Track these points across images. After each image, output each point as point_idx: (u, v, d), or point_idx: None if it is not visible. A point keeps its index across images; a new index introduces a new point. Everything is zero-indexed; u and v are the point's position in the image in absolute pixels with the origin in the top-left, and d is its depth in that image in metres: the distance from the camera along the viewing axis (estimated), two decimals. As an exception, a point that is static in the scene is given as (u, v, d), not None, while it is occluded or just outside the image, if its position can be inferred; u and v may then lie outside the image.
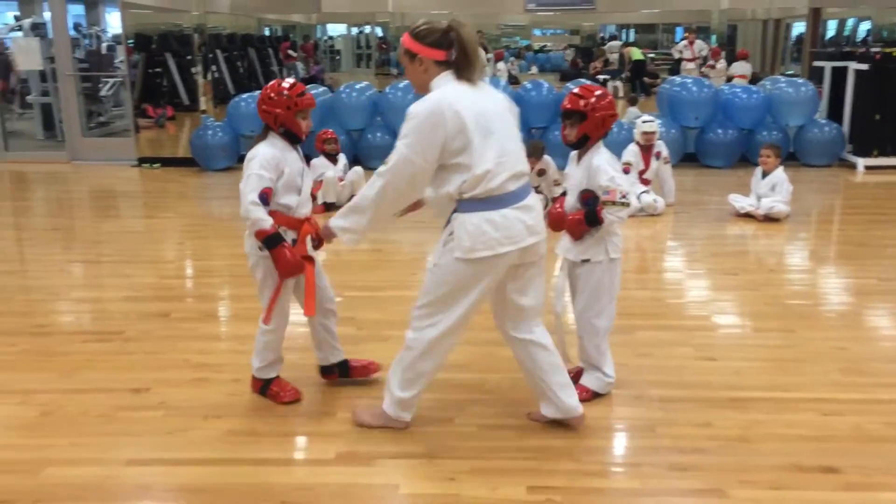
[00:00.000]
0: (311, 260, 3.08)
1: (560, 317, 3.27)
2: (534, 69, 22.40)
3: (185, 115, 13.03)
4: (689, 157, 8.95)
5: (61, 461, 2.83)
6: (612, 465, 2.86)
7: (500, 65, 16.57)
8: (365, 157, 8.44)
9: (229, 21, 16.79)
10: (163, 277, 5.16)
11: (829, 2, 15.74)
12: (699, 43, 14.68)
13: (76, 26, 12.24)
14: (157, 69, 13.75)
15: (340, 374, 3.39)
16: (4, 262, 5.60)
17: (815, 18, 15.59)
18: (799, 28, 18.49)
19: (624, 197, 3.03)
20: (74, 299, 4.76)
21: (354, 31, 23.03)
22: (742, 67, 14.08)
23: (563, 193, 3.31)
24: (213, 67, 14.14)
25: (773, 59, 19.17)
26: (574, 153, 3.21)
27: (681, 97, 8.89)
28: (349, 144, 8.47)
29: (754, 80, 12.45)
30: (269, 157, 3.00)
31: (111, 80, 11.68)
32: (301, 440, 3.01)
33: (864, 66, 8.81)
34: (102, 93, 11.60)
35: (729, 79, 13.72)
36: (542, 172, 6.46)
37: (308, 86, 9.30)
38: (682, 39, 16.11)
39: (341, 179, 6.98)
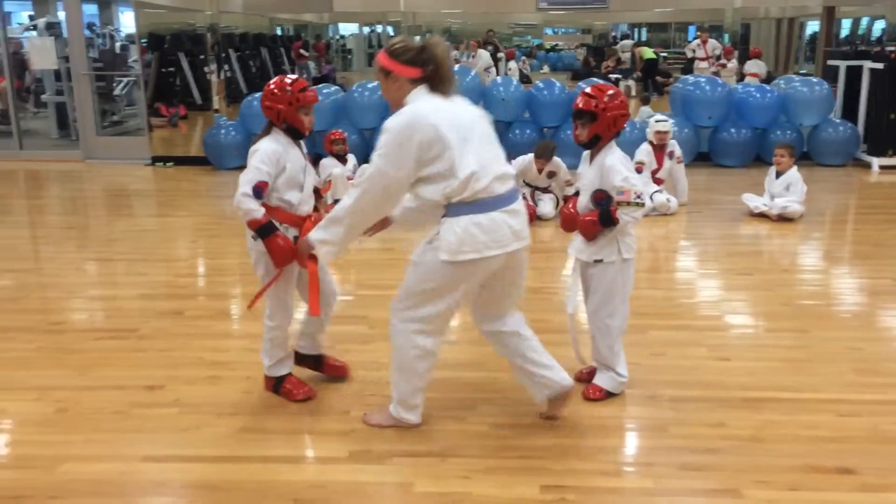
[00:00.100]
0: (314, 258, 3.09)
1: (573, 317, 3.27)
2: (545, 68, 22.34)
3: (197, 114, 13.07)
4: (702, 157, 8.92)
5: (77, 457, 2.85)
6: (626, 464, 2.85)
7: (512, 64, 16.48)
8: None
9: (242, 20, 16.84)
10: (176, 276, 5.19)
11: (844, 0, 15.62)
12: (712, 42, 14.57)
13: (90, 26, 12.32)
14: (170, 68, 13.79)
15: (314, 366, 3.43)
16: (20, 259, 5.64)
17: (830, 17, 15.47)
18: (813, 27, 18.36)
19: (639, 197, 3.02)
20: (89, 297, 4.79)
21: (366, 30, 23.06)
22: (755, 66, 14.00)
23: (576, 193, 3.30)
24: (226, 67, 14.19)
25: (786, 58, 19.05)
26: (587, 153, 3.21)
27: (694, 96, 8.85)
28: (361, 143, 8.47)
29: (769, 79, 12.38)
30: (269, 152, 3.03)
31: (125, 80, 11.75)
32: (314, 438, 3.02)
33: (879, 66, 8.74)
34: (116, 92, 11.67)
35: (742, 77, 13.65)
36: (552, 174, 6.45)
37: (320, 85, 9.38)
38: (694, 38, 16.02)
39: (350, 178, 6.99)
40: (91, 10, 13.90)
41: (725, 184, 7.87)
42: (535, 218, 6.36)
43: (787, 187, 6.43)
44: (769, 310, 4.41)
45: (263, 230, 3.00)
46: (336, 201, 6.72)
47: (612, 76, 15.97)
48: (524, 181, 6.55)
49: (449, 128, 2.64)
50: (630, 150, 5.64)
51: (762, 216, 6.42)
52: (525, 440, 2.93)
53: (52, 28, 10.47)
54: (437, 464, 2.79)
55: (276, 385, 3.29)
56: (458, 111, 2.74)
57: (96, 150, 9.85)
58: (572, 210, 3.22)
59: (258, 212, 2.99)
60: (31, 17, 12.56)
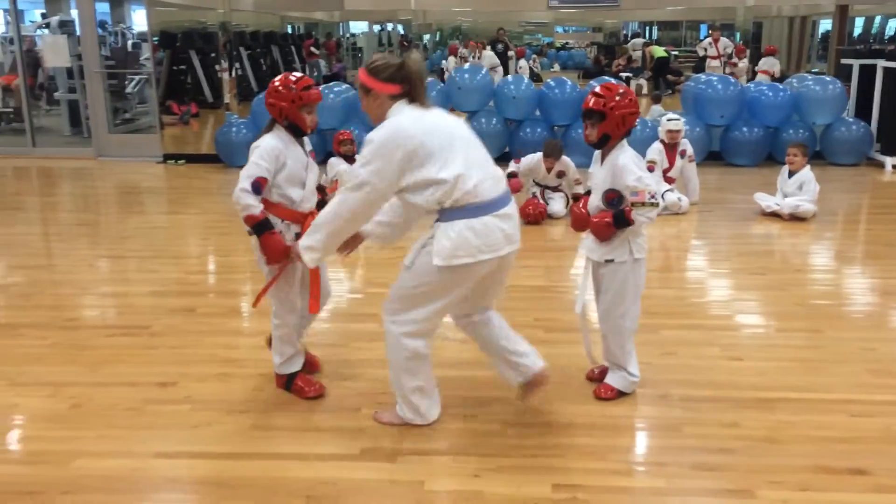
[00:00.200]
0: None
1: (584, 316, 3.26)
2: (556, 67, 22.30)
3: (209, 112, 13.13)
4: (713, 156, 8.88)
5: (90, 453, 2.87)
6: (637, 464, 2.85)
7: (522, 62, 16.46)
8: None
9: (253, 19, 16.89)
10: (188, 273, 5.20)
11: (857, -1, 15.54)
12: (724, 40, 14.51)
13: (102, 24, 12.37)
14: (182, 66, 13.87)
15: None
16: (34, 256, 5.67)
17: (843, 15, 15.39)
18: (826, 25, 18.26)
19: (653, 197, 3.01)
20: (102, 294, 4.82)
21: (376, 28, 23.08)
22: (769, 63, 13.94)
23: (587, 193, 3.29)
24: (237, 65, 14.23)
25: (799, 56, 18.94)
26: (598, 152, 3.19)
27: (706, 95, 8.81)
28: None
29: (782, 78, 12.32)
30: (270, 149, 3.05)
31: (136, 78, 11.80)
32: (325, 435, 3.02)
33: (893, 64, 8.68)
34: (128, 90, 11.73)
35: (753, 75, 13.58)
36: (561, 174, 6.43)
37: (331, 83, 9.38)
38: (706, 37, 15.96)
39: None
40: (103, 7, 13.96)
41: (737, 183, 7.83)
42: (545, 216, 6.36)
43: (799, 186, 6.40)
44: (781, 310, 4.38)
45: (259, 227, 3.02)
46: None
47: (623, 75, 15.94)
48: (534, 180, 6.54)
49: (431, 135, 2.70)
50: (642, 148, 5.62)
51: (774, 216, 6.39)
52: (536, 439, 2.93)
53: (65, 26, 10.53)
54: (448, 462, 2.79)
55: (288, 382, 3.30)
56: (437, 120, 2.79)
57: (108, 147, 9.90)
58: (583, 209, 3.21)
59: (256, 208, 3.02)
60: (44, 15, 12.62)
